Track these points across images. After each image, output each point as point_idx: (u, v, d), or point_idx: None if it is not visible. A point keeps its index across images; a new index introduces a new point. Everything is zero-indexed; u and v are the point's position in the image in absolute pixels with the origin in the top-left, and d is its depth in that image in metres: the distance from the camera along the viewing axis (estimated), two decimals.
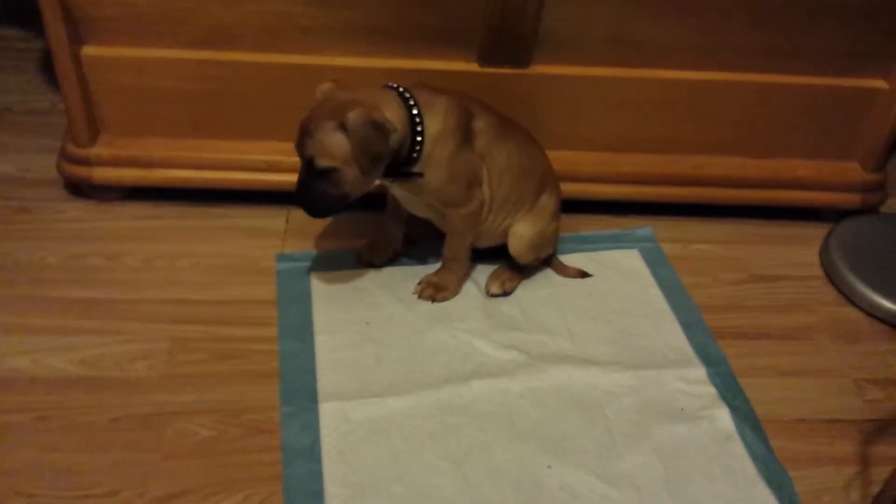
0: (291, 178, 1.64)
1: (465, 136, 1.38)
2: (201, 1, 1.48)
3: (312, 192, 1.31)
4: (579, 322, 1.51)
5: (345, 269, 1.59)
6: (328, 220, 1.69)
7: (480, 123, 1.41)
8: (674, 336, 1.49)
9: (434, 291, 1.53)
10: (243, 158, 1.65)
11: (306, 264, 1.58)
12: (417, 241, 1.65)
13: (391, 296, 1.53)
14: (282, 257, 1.59)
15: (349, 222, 1.69)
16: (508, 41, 1.55)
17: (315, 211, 1.35)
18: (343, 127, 1.24)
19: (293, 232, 1.67)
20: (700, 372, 1.42)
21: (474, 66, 1.60)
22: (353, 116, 1.24)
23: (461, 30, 1.55)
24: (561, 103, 1.66)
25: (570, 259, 1.64)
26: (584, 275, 1.61)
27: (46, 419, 1.25)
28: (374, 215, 1.65)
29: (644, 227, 1.75)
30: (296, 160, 1.62)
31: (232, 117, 1.63)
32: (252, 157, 1.66)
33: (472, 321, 1.50)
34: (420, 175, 1.34)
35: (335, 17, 1.51)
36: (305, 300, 1.51)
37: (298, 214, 1.69)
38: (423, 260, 1.62)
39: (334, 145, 1.26)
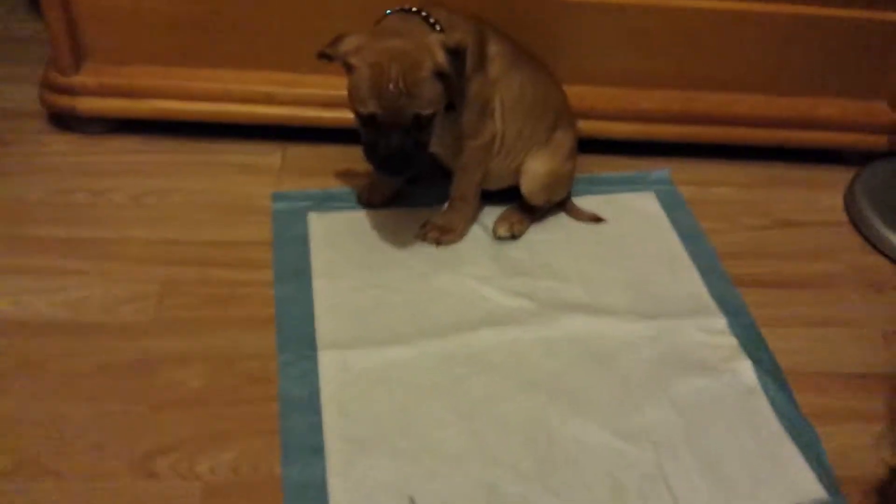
0: (289, 112, 1.57)
1: (480, 60, 1.28)
2: None
3: (415, 149, 1.21)
4: (592, 268, 1.43)
5: (344, 210, 1.50)
6: (324, 158, 1.60)
7: (494, 48, 1.31)
8: (692, 283, 1.42)
9: (439, 234, 1.45)
10: (238, 89, 1.55)
11: (303, 204, 1.49)
12: (420, 180, 1.56)
13: (394, 238, 1.45)
14: (278, 196, 1.50)
15: (347, 160, 1.59)
16: None
17: (417, 167, 1.26)
18: (438, 72, 1.17)
19: (289, 169, 1.58)
20: (720, 322, 1.34)
21: None
22: (441, 59, 1.16)
23: None
24: (578, 32, 1.55)
25: (583, 202, 1.55)
26: (598, 219, 1.52)
27: (28, 366, 1.17)
28: None
29: (661, 168, 1.66)
30: (295, 91, 1.55)
31: (226, 44, 1.52)
32: (247, 88, 1.55)
33: (479, 266, 1.41)
34: (452, 107, 1.26)
35: None
36: (303, 242, 1.42)
37: (295, 151, 1.62)
38: (426, 200, 1.53)
39: (434, 92, 1.18)
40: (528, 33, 1.50)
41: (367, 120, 1.19)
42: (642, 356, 1.27)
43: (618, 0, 1.51)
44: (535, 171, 1.40)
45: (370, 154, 1.22)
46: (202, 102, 1.55)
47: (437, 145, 1.36)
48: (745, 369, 1.26)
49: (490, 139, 1.34)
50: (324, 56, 1.20)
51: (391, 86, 1.15)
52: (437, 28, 1.22)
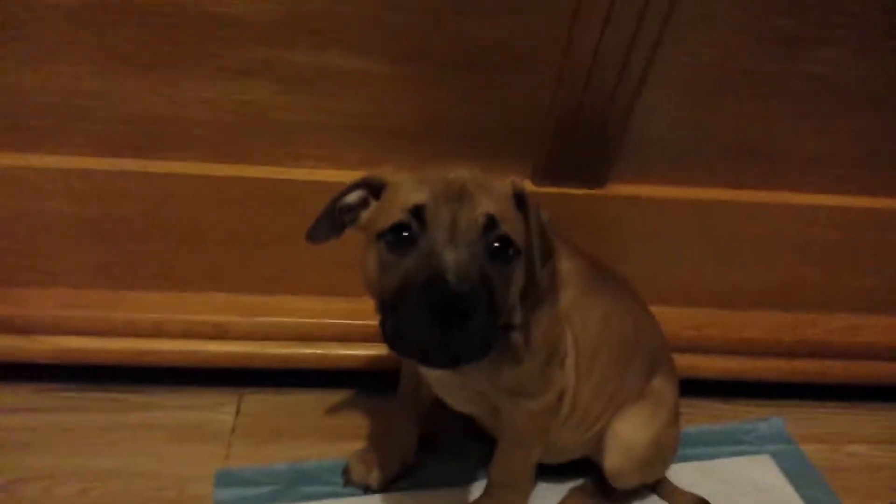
0: (248, 349, 1.10)
1: (549, 282, 0.85)
2: (120, 81, 0.95)
3: (486, 294, 0.69)
4: None
5: (325, 497, 0.99)
6: (295, 412, 1.12)
7: (567, 265, 0.89)
8: None
9: None
10: (177, 319, 1.08)
11: (262, 491, 0.99)
12: (439, 443, 1.07)
13: None
14: (224, 478, 1.00)
15: (329, 414, 1.13)
16: (580, 150, 1.04)
17: (479, 345, 0.69)
18: (518, 196, 0.76)
19: (245, 431, 1.09)
20: None
21: (527, 184, 1.07)
22: (521, 185, 0.77)
23: (512, 133, 1.03)
24: (649, 239, 1.14)
25: (673, 471, 1.06)
26: None
27: None
28: (370, 399, 1.13)
29: (769, 418, 1.19)
30: (257, 321, 1.09)
31: (163, 258, 1.08)
32: (190, 318, 1.09)
33: None
34: (513, 329, 0.80)
35: (327, 111, 0.99)
36: None
37: (255, 403, 1.14)
38: (450, 477, 1.04)
39: (514, 218, 0.75)
40: (582, 239, 1.08)
41: (405, 228, 0.71)
42: None
43: (704, 196, 1.11)
44: (629, 440, 0.92)
45: (405, 296, 0.68)
46: (125, 339, 1.08)
47: (466, 403, 0.92)
48: None
49: (554, 399, 0.87)
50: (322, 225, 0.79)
51: (451, 175, 0.74)
52: None
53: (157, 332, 1.08)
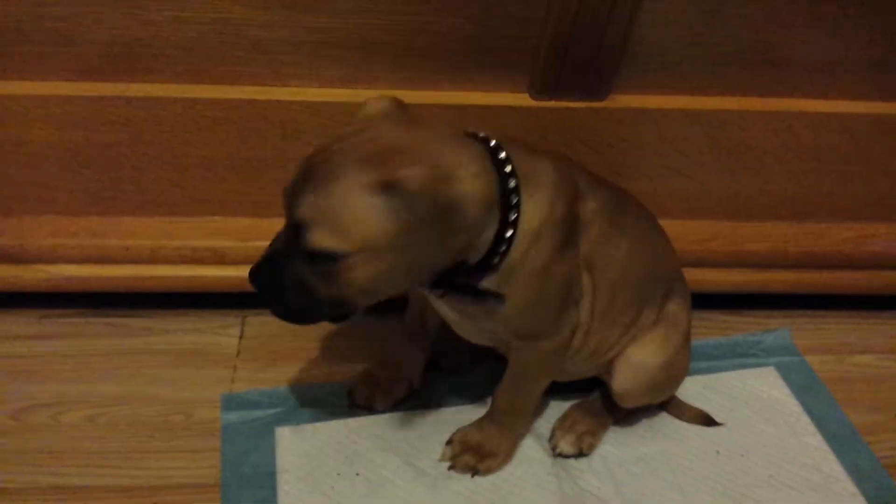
0: (244, 273, 1.06)
1: (571, 229, 0.81)
2: (96, 5, 0.91)
3: (284, 279, 0.75)
4: None
5: (330, 419, 1.00)
6: (300, 334, 1.12)
7: (591, 205, 0.83)
8: None
9: (475, 458, 0.95)
10: (173, 245, 1.07)
11: (268, 413, 1.00)
12: (446, 362, 1.07)
13: (406, 466, 0.95)
14: (230, 401, 1.01)
15: (336, 335, 1.11)
16: (580, 60, 0.98)
17: (282, 309, 0.78)
18: (389, 189, 0.67)
19: (250, 354, 1.10)
20: None
21: (524, 99, 1.03)
22: (412, 177, 0.67)
23: (506, 44, 0.98)
24: (653, 152, 1.09)
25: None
26: (710, 422, 1.03)
27: None
28: (375, 320, 1.11)
29: (776, 329, 1.18)
30: (255, 245, 1.08)
31: (152, 184, 1.06)
32: (186, 243, 1.08)
33: None
34: (500, 298, 0.78)
35: (306, 27, 0.94)
36: (268, 479, 0.92)
37: (259, 325, 1.14)
38: (457, 395, 1.04)
39: (357, 217, 0.68)
40: (583, 154, 1.06)
41: None
42: None
43: (712, 105, 1.06)
44: (641, 363, 0.92)
45: None
46: (121, 266, 1.07)
47: (481, 337, 0.90)
48: None
49: (567, 338, 0.86)
50: None
51: (309, 163, 0.72)
52: (507, 170, 0.74)
53: (154, 258, 1.07)
